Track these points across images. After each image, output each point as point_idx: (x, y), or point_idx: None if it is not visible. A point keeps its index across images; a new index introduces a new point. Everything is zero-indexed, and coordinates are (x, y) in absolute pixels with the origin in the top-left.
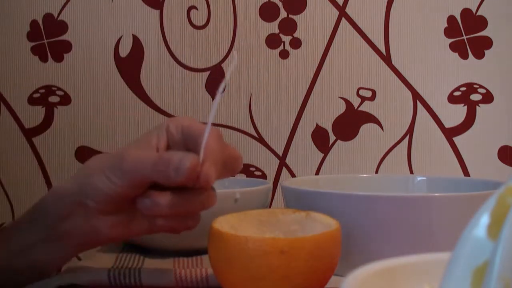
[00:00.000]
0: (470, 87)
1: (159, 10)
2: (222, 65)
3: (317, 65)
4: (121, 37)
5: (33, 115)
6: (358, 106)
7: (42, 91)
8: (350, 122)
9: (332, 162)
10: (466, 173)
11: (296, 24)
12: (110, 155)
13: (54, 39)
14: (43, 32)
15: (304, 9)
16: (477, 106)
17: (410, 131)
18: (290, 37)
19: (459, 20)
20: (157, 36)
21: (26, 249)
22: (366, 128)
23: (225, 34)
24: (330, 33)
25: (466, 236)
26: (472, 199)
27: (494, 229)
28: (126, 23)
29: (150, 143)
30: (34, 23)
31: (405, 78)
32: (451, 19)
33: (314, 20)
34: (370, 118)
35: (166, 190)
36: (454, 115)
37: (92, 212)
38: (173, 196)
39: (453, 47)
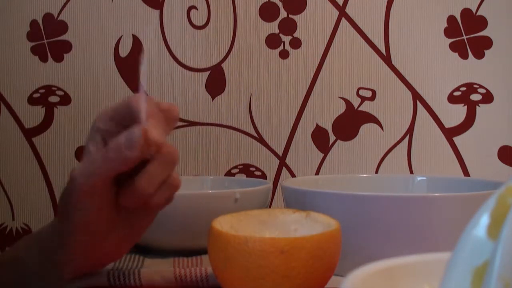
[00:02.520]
0: (470, 87)
1: (159, 10)
2: (222, 65)
3: (317, 65)
4: (121, 37)
5: (33, 115)
6: (358, 106)
7: (42, 91)
8: (350, 122)
9: (332, 162)
10: (466, 173)
11: (296, 24)
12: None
13: (54, 39)
14: (43, 32)
15: (304, 9)
16: (477, 106)
17: (410, 131)
18: (290, 37)
19: (459, 20)
20: (157, 36)
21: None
22: (366, 128)
23: (225, 34)
24: (330, 33)
25: (466, 236)
26: (472, 199)
27: (494, 229)
28: (126, 23)
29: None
30: (34, 23)
31: (405, 78)
32: (451, 19)
33: (314, 20)
34: (370, 118)
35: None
36: (454, 115)
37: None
38: (145, 174)
39: (453, 47)
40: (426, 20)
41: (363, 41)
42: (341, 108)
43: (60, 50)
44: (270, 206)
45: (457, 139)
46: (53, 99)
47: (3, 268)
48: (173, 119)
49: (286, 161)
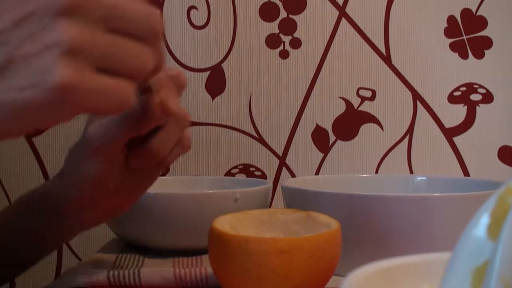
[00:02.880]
0: (470, 87)
1: (159, 10)
2: (222, 65)
3: (317, 65)
4: None
5: None
6: (358, 106)
7: None
8: (350, 122)
9: (332, 162)
10: (466, 173)
11: (296, 24)
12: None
13: None
14: None
15: (304, 9)
16: (477, 106)
17: (410, 131)
18: (290, 37)
19: (459, 20)
20: None
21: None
22: (366, 128)
23: (225, 34)
24: (330, 33)
25: (466, 236)
26: (472, 199)
27: (494, 229)
28: None
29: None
30: None
31: (405, 78)
32: (451, 19)
33: (314, 20)
34: (370, 118)
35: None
36: (454, 115)
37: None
38: (158, 138)
39: (453, 47)
40: (426, 20)
41: (363, 41)
42: (341, 108)
43: None
44: (270, 206)
45: (457, 139)
46: None
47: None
48: (182, 86)
49: (286, 161)
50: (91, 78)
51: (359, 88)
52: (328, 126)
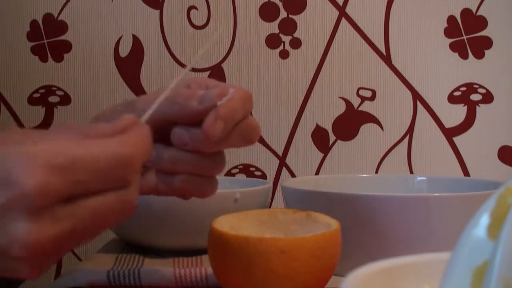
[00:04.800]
0: (470, 87)
1: (159, 10)
2: (222, 65)
3: (317, 65)
4: (121, 37)
5: (33, 115)
6: (358, 106)
7: (42, 91)
8: (350, 122)
9: (332, 162)
10: (466, 173)
11: (296, 24)
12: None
13: (54, 39)
14: (43, 32)
15: (304, 9)
16: (477, 106)
17: (410, 131)
18: (290, 37)
19: (459, 20)
20: (157, 36)
21: None
22: (366, 128)
23: (225, 34)
24: (330, 33)
25: (466, 236)
26: (472, 199)
27: (494, 229)
28: (126, 23)
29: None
30: (34, 23)
31: (405, 78)
32: (451, 19)
33: (314, 20)
34: (370, 118)
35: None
36: (454, 115)
37: None
38: (211, 116)
39: (453, 47)
40: (426, 20)
41: (363, 41)
42: (341, 108)
43: (60, 50)
44: (270, 206)
45: (457, 139)
46: (53, 99)
47: None
48: (251, 139)
49: (286, 161)
50: (53, 257)
51: (359, 88)
52: (328, 126)
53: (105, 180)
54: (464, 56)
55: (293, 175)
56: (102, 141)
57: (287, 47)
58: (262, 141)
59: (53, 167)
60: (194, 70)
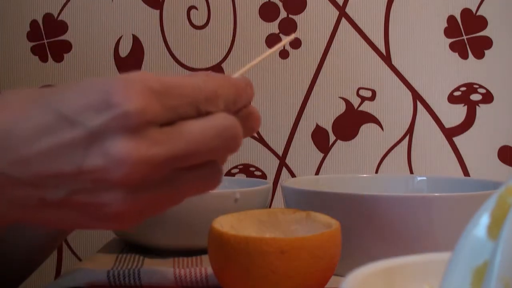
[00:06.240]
0: (470, 87)
1: (159, 10)
2: (222, 65)
3: (317, 65)
4: (121, 37)
5: None
6: (358, 106)
7: None
8: (350, 122)
9: (332, 162)
10: (466, 173)
11: (296, 24)
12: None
13: (54, 39)
14: (43, 32)
15: (304, 9)
16: (477, 106)
17: (410, 131)
18: None
19: (459, 20)
20: (157, 36)
21: None
22: (366, 128)
23: (225, 34)
24: (330, 33)
25: (466, 236)
26: (472, 199)
27: (494, 229)
28: (126, 23)
29: None
30: (34, 23)
31: (405, 78)
32: (451, 19)
33: (314, 20)
34: (370, 118)
35: None
36: (454, 115)
37: None
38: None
39: (453, 47)
40: (426, 20)
41: (363, 41)
42: (341, 108)
43: (60, 50)
44: (270, 206)
45: (457, 139)
46: None
47: None
48: (252, 128)
49: (286, 161)
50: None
51: (359, 88)
52: (328, 126)
53: (197, 107)
54: (464, 56)
55: (293, 175)
56: (195, 76)
57: (287, 47)
58: (262, 141)
59: (152, 91)
60: (194, 70)
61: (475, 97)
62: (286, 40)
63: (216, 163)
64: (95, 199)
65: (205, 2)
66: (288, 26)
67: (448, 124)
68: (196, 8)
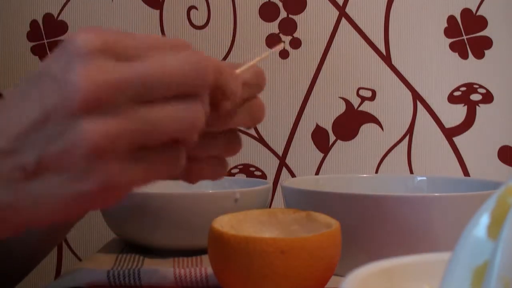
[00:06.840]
0: (470, 87)
1: (159, 10)
2: None
3: (317, 65)
4: None
5: None
6: (358, 106)
7: None
8: (350, 122)
9: (332, 162)
10: (466, 173)
11: (296, 24)
12: None
13: (54, 39)
14: (43, 32)
15: (304, 9)
16: (477, 106)
17: (410, 131)
18: (290, 37)
19: (459, 20)
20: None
21: None
22: (366, 128)
23: (225, 34)
24: (330, 33)
25: (466, 236)
26: (472, 199)
27: (494, 229)
28: (126, 23)
29: None
30: (34, 23)
31: (405, 78)
32: (451, 19)
33: (314, 20)
34: (370, 118)
35: None
36: (454, 115)
37: None
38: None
39: (453, 47)
40: (426, 20)
41: (363, 41)
42: (341, 108)
43: None
44: (270, 206)
45: (457, 139)
46: None
47: None
48: (256, 118)
49: (286, 161)
50: (129, 169)
51: (359, 88)
52: (328, 126)
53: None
54: (464, 56)
55: (293, 175)
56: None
57: (287, 47)
58: (262, 141)
59: (106, 32)
60: None
61: (475, 97)
62: (273, 49)
63: (180, 148)
64: (66, 143)
65: (205, 2)
66: (288, 26)
67: (448, 124)
68: (196, 8)
